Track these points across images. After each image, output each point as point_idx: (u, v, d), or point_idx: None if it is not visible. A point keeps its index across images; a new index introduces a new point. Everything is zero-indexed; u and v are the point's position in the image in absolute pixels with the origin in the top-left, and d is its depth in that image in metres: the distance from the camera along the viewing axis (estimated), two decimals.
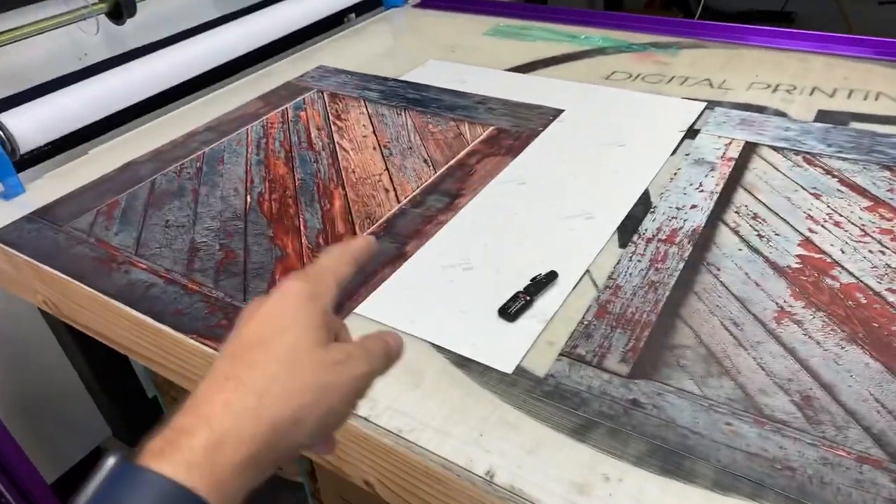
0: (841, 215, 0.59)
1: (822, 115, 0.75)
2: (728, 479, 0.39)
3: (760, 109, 0.77)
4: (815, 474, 0.38)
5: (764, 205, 0.61)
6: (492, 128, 0.78)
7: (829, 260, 0.54)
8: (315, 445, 0.40)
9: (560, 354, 0.48)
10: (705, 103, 0.79)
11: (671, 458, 0.40)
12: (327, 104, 0.87)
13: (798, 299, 0.51)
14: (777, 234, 0.57)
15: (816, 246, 0.56)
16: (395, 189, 0.68)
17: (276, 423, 0.30)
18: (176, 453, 0.28)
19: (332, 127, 0.81)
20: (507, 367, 0.47)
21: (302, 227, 0.63)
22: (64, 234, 0.65)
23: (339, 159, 0.74)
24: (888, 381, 0.44)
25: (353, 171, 0.72)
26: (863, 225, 0.57)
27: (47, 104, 0.77)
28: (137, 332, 0.57)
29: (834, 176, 0.64)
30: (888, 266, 0.53)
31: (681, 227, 0.59)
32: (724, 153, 0.69)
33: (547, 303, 0.52)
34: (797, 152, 0.68)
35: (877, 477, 0.38)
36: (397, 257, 0.58)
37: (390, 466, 0.44)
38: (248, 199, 0.69)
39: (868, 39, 0.88)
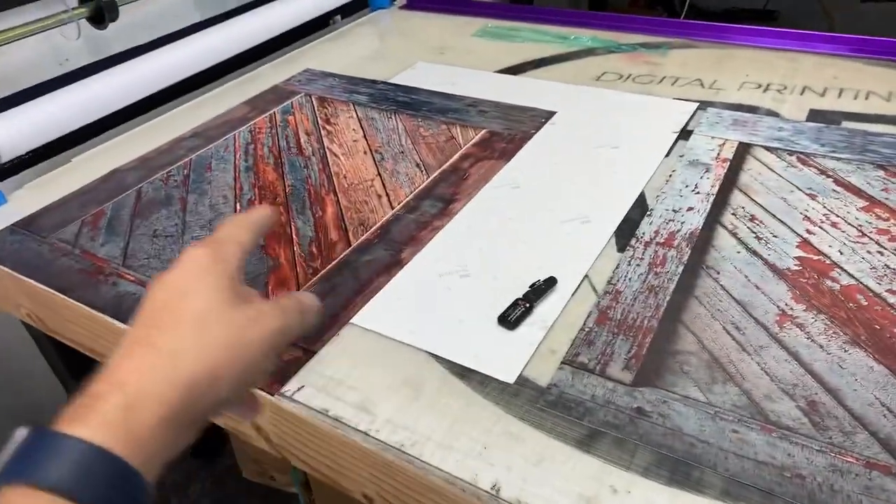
0: (837, 216, 0.59)
1: (814, 115, 0.75)
2: (737, 488, 0.38)
3: (752, 109, 0.77)
4: (824, 482, 0.38)
5: (760, 206, 0.61)
6: (484, 131, 0.77)
7: (828, 261, 0.54)
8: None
9: (562, 363, 0.47)
10: (697, 104, 0.78)
11: (679, 468, 0.39)
12: (316, 108, 0.85)
13: (799, 302, 0.50)
14: (775, 236, 0.57)
15: (815, 247, 0.55)
16: (388, 195, 0.67)
17: (191, 383, 0.30)
18: (91, 417, 0.28)
19: (322, 131, 0.80)
20: (509, 377, 0.46)
21: (294, 236, 0.62)
22: (48, 246, 0.64)
23: (330, 164, 0.73)
24: (893, 384, 0.43)
25: (345, 177, 0.70)
26: (860, 225, 0.57)
27: (28, 111, 0.74)
28: None
29: (829, 176, 0.64)
30: (887, 267, 0.53)
31: (678, 230, 0.58)
32: (719, 154, 0.69)
33: (547, 309, 0.51)
34: (791, 152, 0.68)
35: (886, 483, 0.38)
36: (393, 265, 0.57)
37: (391, 481, 0.43)
38: (238, 207, 0.67)
39: (856, 38, 0.88)
